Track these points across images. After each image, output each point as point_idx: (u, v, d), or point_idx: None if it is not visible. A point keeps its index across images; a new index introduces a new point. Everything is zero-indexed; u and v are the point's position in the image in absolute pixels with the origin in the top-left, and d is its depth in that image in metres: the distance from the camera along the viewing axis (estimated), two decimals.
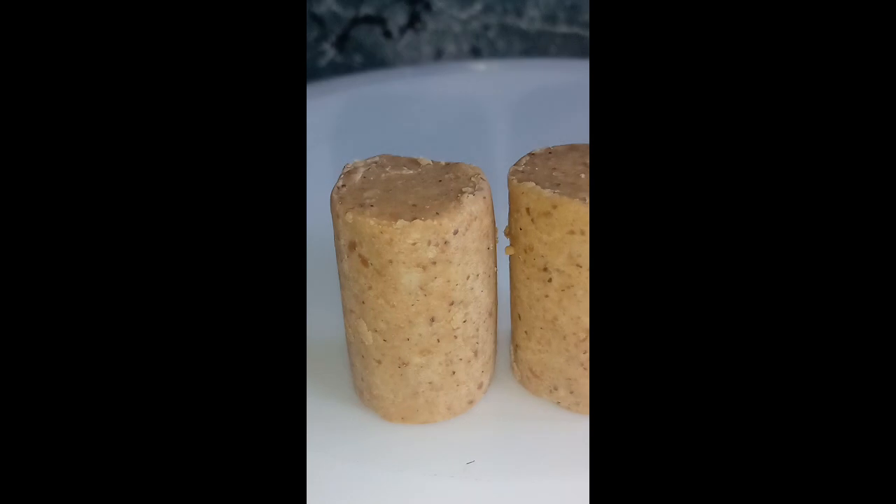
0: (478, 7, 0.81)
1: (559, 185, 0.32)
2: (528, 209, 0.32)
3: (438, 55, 0.83)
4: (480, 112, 0.68)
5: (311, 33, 0.80)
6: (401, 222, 0.30)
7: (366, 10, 0.80)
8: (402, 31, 0.81)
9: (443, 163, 0.34)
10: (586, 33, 0.83)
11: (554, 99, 0.71)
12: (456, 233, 0.31)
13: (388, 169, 0.34)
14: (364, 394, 0.35)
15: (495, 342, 0.36)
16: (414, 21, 0.81)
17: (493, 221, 0.33)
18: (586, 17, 0.82)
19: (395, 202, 0.31)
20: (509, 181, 0.33)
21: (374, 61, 0.82)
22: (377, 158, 0.34)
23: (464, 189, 0.32)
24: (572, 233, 0.31)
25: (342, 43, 0.81)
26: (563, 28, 0.83)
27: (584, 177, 0.32)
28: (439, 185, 0.32)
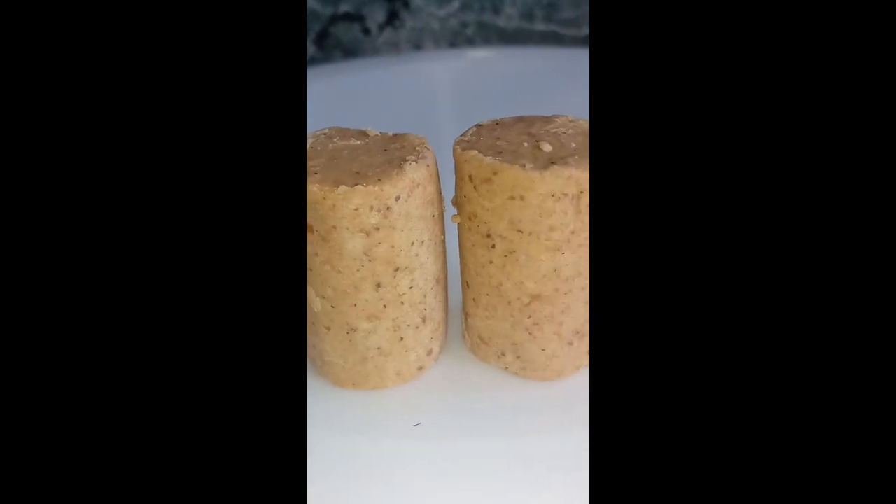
0: (455, 5, 0.82)
1: (501, 152, 0.32)
2: (470, 176, 0.33)
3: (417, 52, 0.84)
4: (452, 96, 0.69)
5: None
6: (342, 188, 0.31)
7: (345, 7, 0.81)
8: (381, 28, 0.82)
9: (390, 134, 0.35)
10: (564, 31, 0.84)
11: (534, 83, 0.72)
12: (398, 199, 0.31)
13: (335, 139, 0.34)
14: (316, 361, 0.36)
15: (446, 310, 0.37)
16: (392, 18, 0.82)
17: (439, 189, 0.34)
18: (563, 14, 0.83)
19: (339, 170, 0.32)
20: (454, 150, 0.33)
21: (354, 58, 0.83)
22: (326, 130, 0.35)
23: (408, 157, 0.33)
24: (512, 198, 0.31)
25: (321, 40, 0.82)
26: (540, 26, 0.84)
27: (527, 145, 0.33)
28: (384, 154, 0.33)
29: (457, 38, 0.83)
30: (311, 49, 0.82)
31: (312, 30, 0.81)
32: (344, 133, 0.35)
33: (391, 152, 0.33)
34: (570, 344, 0.35)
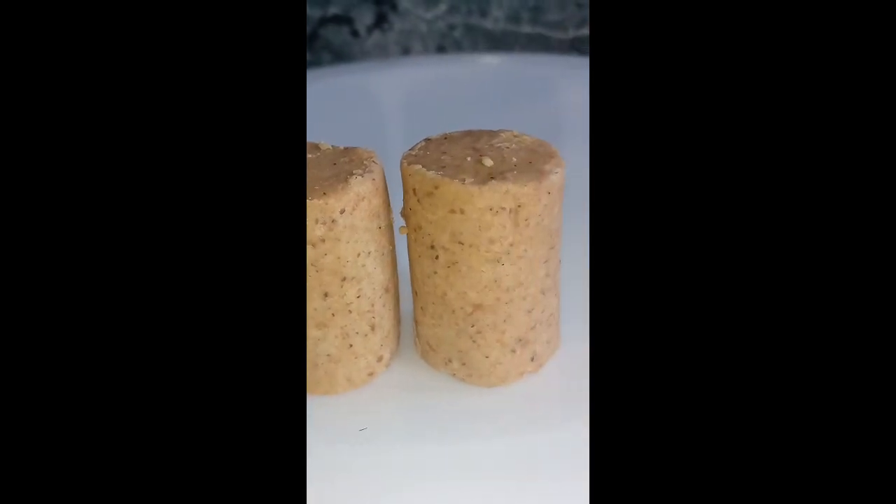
0: (443, 7, 0.83)
1: (444, 167, 0.33)
2: (414, 190, 0.34)
3: (405, 54, 0.85)
4: (432, 103, 0.70)
5: None
6: None
7: (333, 9, 0.82)
8: (370, 30, 0.83)
9: (342, 147, 0.36)
10: (550, 33, 0.84)
11: (515, 88, 0.73)
12: (343, 212, 0.33)
13: None
14: None
15: (397, 317, 0.38)
16: (381, 21, 0.83)
17: (387, 201, 0.35)
18: (549, 17, 0.84)
19: None
20: (401, 164, 0.35)
21: (343, 60, 0.85)
22: None
23: (354, 171, 0.34)
24: (453, 211, 0.33)
25: (310, 42, 0.83)
26: (526, 28, 0.84)
27: (470, 160, 0.34)
28: (333, 168, 0.34)
29: (444, 41, 0.84)
30: None
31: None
32: None
33: (339, 166, 0.34)
34: (513, 351, 0.36)
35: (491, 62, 0.79)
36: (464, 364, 0.36)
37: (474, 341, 0.35)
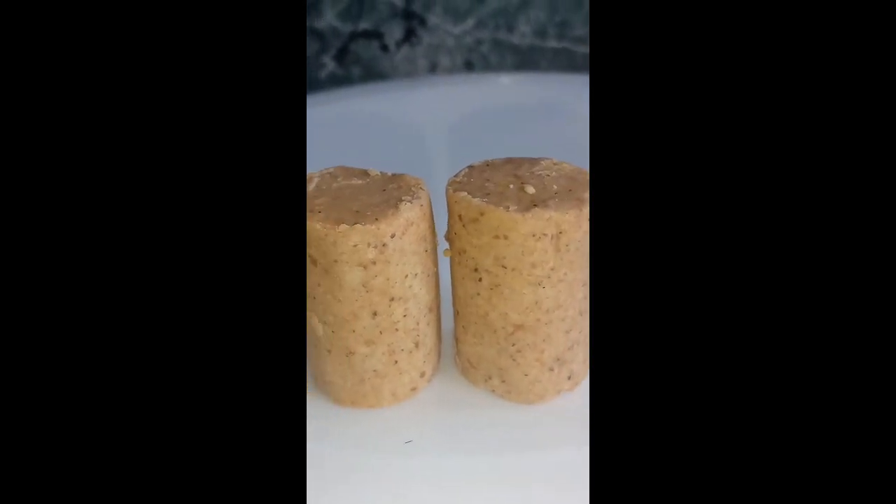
0: (471, 22, 0.85)
1: (489, 194, 0.36)
2: (460, 216, 0.36)
3: (433, 68, 0.87)
4: (463, 125, 0.72)
5: (312, 47, 0.84)
6: (343, 226, 0.34)
7: (364, 25, 0.84)
8: (399, 45, 0.86)
9: (389, 174, 0.38)
10: (575, 48, 0.87)
11: (543, 113, 0.75)
12: (393, 236, 0.35)
13: (339, 179, 0.38)
14: (318, 380, 0.40)
15: (438, 336, 0.40)
16: (410, 35, 0.85)
17: (432, 226, 0.37)
18: (576, 32, 0.86)
19: (341, 209, 0.35)
20: (447, 190, 0.37)
21: (372, 73, 0.87)
22: (332, 169, 0.39)
23: (403, 197, 0.36)
24: (497, 237, 0.35)
25: (341, 56, 0.86)
26: (552, 43, 0.87)
27: (513, 187, 0.36)
28: (382, 194, 0.36)
29: (471, 55, 0.86)
30: (331, 65, 0.85)
31: (333, 46, 0.85)
32: (347, 173, 0.38)
33: (389, 192, 0.37)
34: (551, 370, 0.38)
35: (515, 81, 0.81)
36: (503, 381, 0.38)
37: (514, 360, 0.37)
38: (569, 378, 0.39)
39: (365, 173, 0.38)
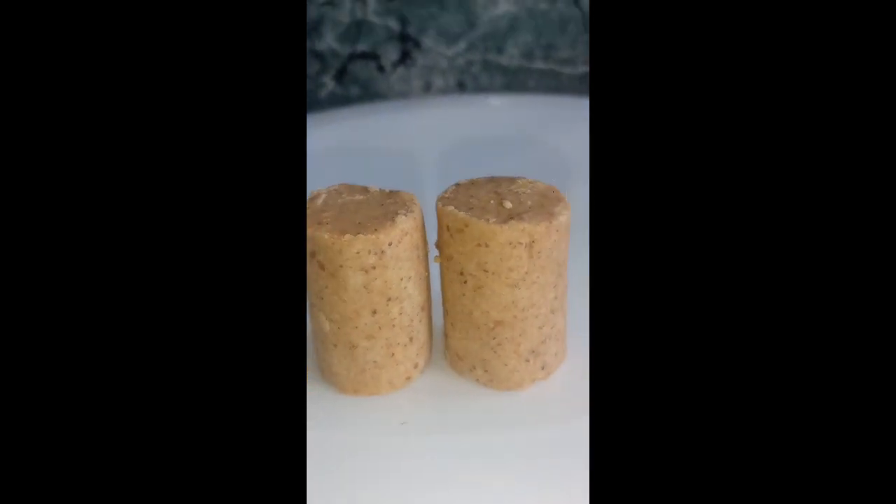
0: (462, 45, 0.91)
1: (472, 208, 0.41)
2: (448, 226, 0.42)
3: (427, 88, 0.93)
4: (452, 146, 0.78)
5: (313, 67, 0.90)
6: (347, 236, 0.40)
7: (362, 47, 0.90)
8: (395, 66, 0.92)
9: (387, 190, 0.44)
10: (561, 69, 0.92)
11: (525, 133, 0.81)
12: (390, 244, 0.41)
13: (343, 195, 0.44)
14: (324, 371, 0.46)
15: (429, 332, 0.46)
16: (405, 57, 0.91)
17: (424, 236, 0.43)
18: (561, 54, 0.91)
19: (346, 221, 0.41)
20: (437, 204, 0.43)
21: (370, 93, 0.93)
22: (337, 186, 0.45)
23: (399, 211, 0.42)
24: (479, 245, 0.41)
25: (340, 76, 0.91)
26: (539, 64, 0.92)
27: (493, 202, 0.42)
28: (381, 208, 0.42)
29: (463, 76, 0.92)
30: (331, 85, 0.91)
31: (333, 67, 0.90)
32: (350, 189, 0.44)
33: (386, 206, 0.42)
34: (527, 361, 0.44)
35: (503, 103, 0.87)
36: (486, 371, 0.44)
37: (495, 352, 0.43)
38: (542, 368, 0.44)
39: (366, 190, 0.44)
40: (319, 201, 0.43)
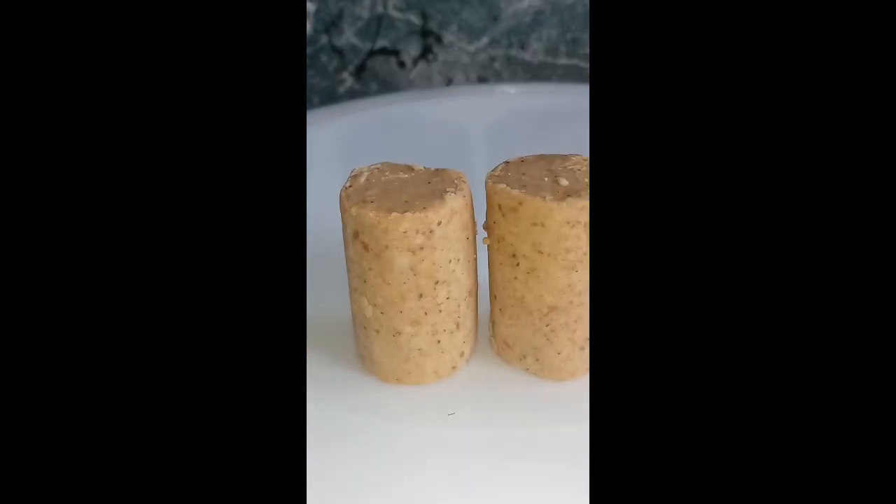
0: (485, 40, 0.89)
1: (525, 186, 0.39)
2: (499, 206, 0.39)
3: (448, 83, 0.91)
4: (485, 130, 0.76)
5: (332, 63, 0.88)
6: (394, 215, 0.38)
7: (382, 42, 0.88)
8: (415, 61, 0.90)
9: (433, 168, 0.42)
10: (585, 64, 0.91)
11: (554, 118, 0.79)
12: (439, 224, 0.38)
13: (387, 173, 0.41)
14: (365, 360, 0.43)
15: (476, 318, 0.44)
16: (426, 52, 0.89)
17: (473, 216, 0.41)
18: (585, 50, 0.90)
19: (391, 199, 0.39)
20: (486, 183, 0.40)
21: (389, 89, 0.91)
22: (379, 165, 0.42)
23: (447, 189, 0.39)
24: (534, 224, 0.38)
25: (360, 72, 0.90)
26: (563, 60, 0.91)
27: (547, 179, 0.40)
28: (428, 186, 0.40)
29: (485, 72, 0.90)
30: (349, 81, 0.89)
31: (352, 63, 0.88)
32: (393, 168, 0.42)
33: (434, 185, 0.40)
34: (582, 349, 0.41)
35: (528, 90, 0.85)
36: (537, 360, 0.42)
37: (548, 339, 0.41)
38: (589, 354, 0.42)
39: (410, 168, 0.42)
40: (363, 179, 0.41)
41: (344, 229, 0.40)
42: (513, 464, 0.38)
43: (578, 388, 0.42)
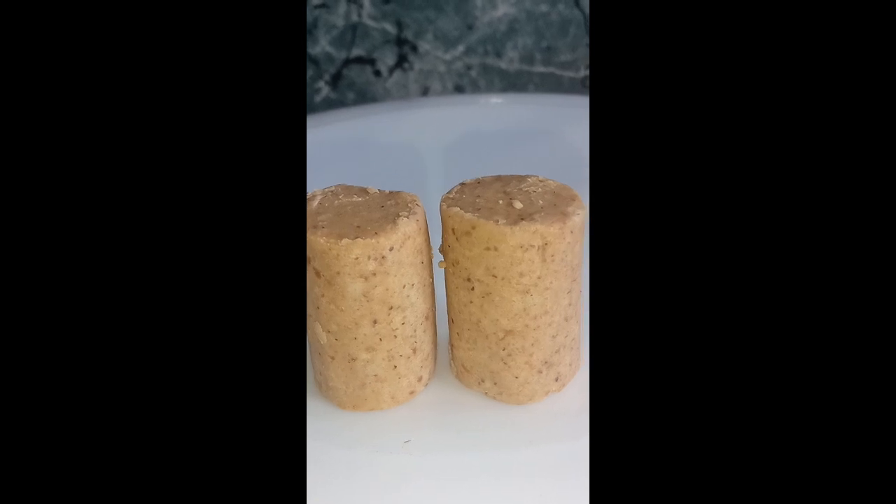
0: (461, 49, 0.89)
1: (480, 209, 0.38)
2: (453, 229, 0.39)
3: (424, 92, 0.90)
4: (452, 142, 0.75)
5: (308, 72, 0.87)
6: (345, 241, 0.37)
7: (357, 51, 0.88)
8: (391, 70, 0.89)
9: (387, 191, 0.41)
10: (561, 72, 0.90)
11: (529, 131, 0.78)
12: (391, 249, 0.37)
13: (341, 196, 0.41)
14: (322, 386, 0.42)
15: (434, 342, 0.43)
16: (402, 61, 0.89)
17: (427, 240, 0.40)
18: (561, 57, 0.89)
19: (343, 224, 0.38)
20: (441, 206, 0.40)
21: (366, 98, 0.90)
22: (333, 188, 0.41)
23: (400, 213, 0.39)
24: (488, 249, 0.38)
25: (336, 81, 0.89)
26: (539, 68, 0.90)
27: (502, 203, 0.39)
28: (381, 210, 0.39)
29: (461, 80, 0.89)
30: (325, 90, 0.89)
31: (327, 72, 0.88)
32: (348, 190, 0.41)
33: (387, 208, 0.39)
34: (540, 372, 0.40)
35: (505, 101, 0.84)
36: (495, 384, 0.41)
37: (505, 363, 0.40)
38: (556, 380, 0.41)
39: (364, 191, 0.41)
40: (315, 203, 0.40)
41: None
42: (472, 490, 0.37)
43: (536, 410, 0.41)
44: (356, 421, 0.41)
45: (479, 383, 0.42)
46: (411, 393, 0.42)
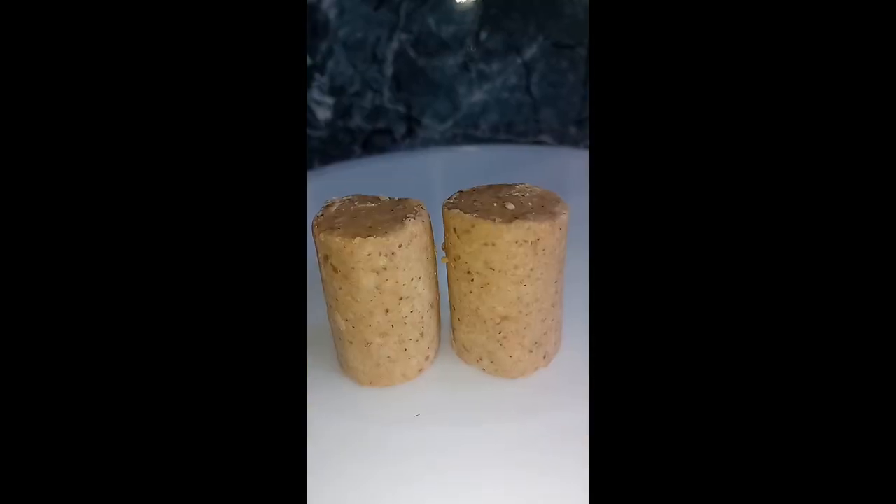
0: (450, 123, 0.76)
1: (477, 210, 0.25)
2: (454, 228, 0.25)
3: None
4: (446, 173, 0.62)
5: (346, 140, 0.75)
6: (358, 239, 0.23)
7: (380, 124, 0.75)
8: (403, 137, 0.76)
9: (396, 198, 0.28)
10: (517, 139, 0.78)
11: (496, 166, 0.66)
12: (400, 246, 0.24)
13: (356, 203, 0.27)
14: (343, 365, 0.29)
15: (438, 326, 0.29)
16: (410, 132, 0.76)
17: (432, 238, 0.27)
18: (518, 129, 0.77)
19: (357, 225, 0.25)
20: (443, 209, 0.26)
21: (384, 153, 0.77)
22: (350, 196, 0.28)
23: (408, 216, 0.25)
24: (486, 244, 0.24)
25: (365, 145, 0.76)
26: (502, 136, 0.77)
27: (496, 205, 0.26)
28: (391, 213, 0.26)
29: (450, 144, 0.77)
30: (359, 151, 0.76)
31: (360, 139, 0.75)
32: (362, 198, 0.28)
33: (396, 212, 0.26)
34: (530, 352, 0.27)
35: (477, 150, 0.72)
36: (492, 361, 0.28)
37: (501, 344, 0.27)
38: (544, 357, 0.28)
39: (377, 198, 0.28)
40: (333, 209, 0.26)
41: (317, 253, 0.26)
42: (473, 455, 0.24)
43: (528, 384, 0.27)
44: (372, 395, 0.27)
45: (477, 361, 0.28)
46: (420, 371, 0.28)
